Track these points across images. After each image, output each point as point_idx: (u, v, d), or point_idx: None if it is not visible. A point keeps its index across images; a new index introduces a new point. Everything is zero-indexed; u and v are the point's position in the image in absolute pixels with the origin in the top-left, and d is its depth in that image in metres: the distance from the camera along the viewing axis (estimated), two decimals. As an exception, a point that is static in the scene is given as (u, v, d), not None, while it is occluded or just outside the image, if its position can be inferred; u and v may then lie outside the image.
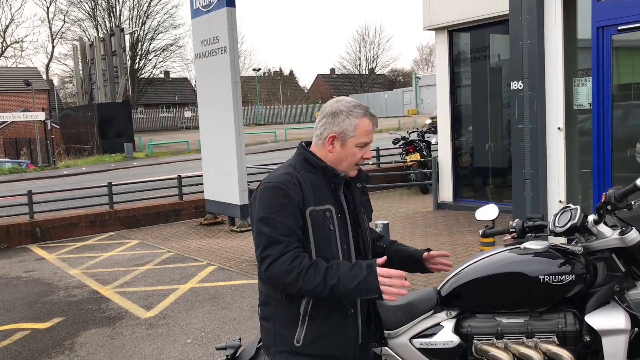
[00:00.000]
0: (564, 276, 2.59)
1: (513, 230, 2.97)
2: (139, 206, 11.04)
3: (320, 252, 2.26)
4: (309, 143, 2.46)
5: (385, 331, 2.68)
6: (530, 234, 2.94)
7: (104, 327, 5.54)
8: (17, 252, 9.32)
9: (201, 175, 10.81)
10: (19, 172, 25.40)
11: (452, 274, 2.86)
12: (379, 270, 2.18)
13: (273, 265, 2.16)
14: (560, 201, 6.89)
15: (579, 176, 7.12)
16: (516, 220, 2.99)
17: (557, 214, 2.84)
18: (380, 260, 2.25)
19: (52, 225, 10.10)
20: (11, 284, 7.37)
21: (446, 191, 10.53)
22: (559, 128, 6.85)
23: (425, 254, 2.67)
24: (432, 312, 2.77)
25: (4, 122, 37.64)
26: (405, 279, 2.20)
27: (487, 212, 3.25)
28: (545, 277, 2.59)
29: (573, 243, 2.81)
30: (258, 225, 2.23)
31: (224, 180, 9.71)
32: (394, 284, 2.16)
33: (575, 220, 2.69)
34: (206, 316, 5.62)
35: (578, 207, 2.77)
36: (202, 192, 10.85)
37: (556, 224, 2.79)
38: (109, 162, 28.60)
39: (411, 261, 2.70)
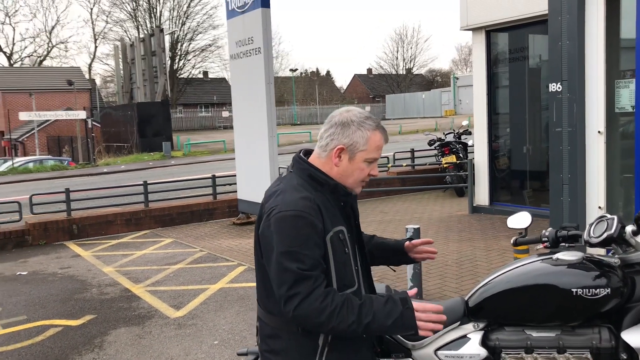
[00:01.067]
0: (598, 290, 2.46)
1: (546, 239, 2.85)
2: (173, 205, 11.15)
3: (339, 278, 2.11)
4: (306, 153, 2.26)
5: (409, 342, 2.60)
6: (564, 244, 2.82)
7: (133, 326, 5.58)
8: (55, 248, 9.51)
9: (235, 175, 10.85)
10: (61, 170, 26.02)
11: (481, 284, 2.75)
12: (415, 305, 2.06)
13: (303, 304, 1.96)
14: (599, 207, 6.65)
15: (620, 181, 6.87)
16: (549, 229, 2.86)
17: (593, 223, 2.71)
18: (412, 292, 2.15)
19: (88, 223, 10.28)
20: (47, 280, 7.51)
21: (482, 194, 10.33)
22: (599, 132, 6.61)
23: (407, 243, 2.53)
24: (458, 323, 2.67)
25: (47, 121, 38.65)
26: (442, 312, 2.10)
27: (520, 219, 3.14)
28: (579, 290, 2.46)
29: (609, 254, 2.68)
30: (281, 261, 1.99)
31: (256, 181, 9.72)
32: (430, 319, 2.06)
33: (612, 230, 2.56)
34: (234, 317, 5.62)
35: (615, 216, 2.63)
36: (236, 191, 10.89)
37: (591, 234, 2.67)
38: (148, 160, 29.09)
39: (393, 253, 2.56)
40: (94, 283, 7.24)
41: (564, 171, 6.70)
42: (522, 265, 2.72)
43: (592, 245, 2.64)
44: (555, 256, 2.64)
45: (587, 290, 2.46)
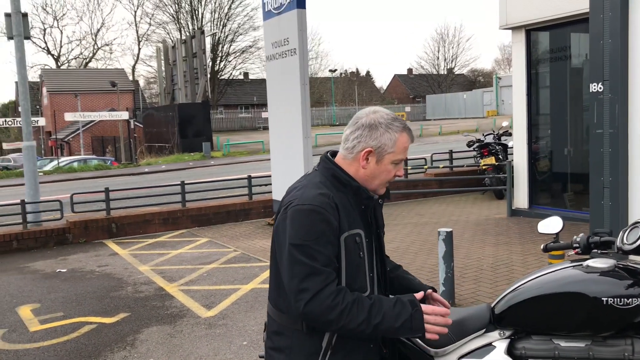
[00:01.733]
0: (630, 299, 2.34)
1: (577, 245, 2.74)
2: (210, 205, 11.26)
3: (349, 282, 2.07)
4: (334, 154, 2.24)
5: (432, 349, 2.54)
6: (595, 250, 2.71)
7: (165, 325, 5.65)
8: (94, 246, 9.72)
9: (270, 176, 10.89)
10: (104, 169, 26.65)
11: (509, 290, 2.67)
12: (424, 307, 2.05)
13: (314, 301, 1.94)
14: (642, 212, 6.41)
15: (664, 185, 6.60)
16: (581, 234, 2.76)
17: (626, 229, 2.60)
18: (419, 295, 2.13)
19: (127, 222, 10.47)
20: (85, 278, 7.68)
21: (521, 197, 10.10)
22: (642, 133, 6.38)
23: (429, 291, 2.34)
24: (484, 330, 2.59)
25: (91, 121, 39.65)
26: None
27: (551, 224, 3.05)
28: (609, 299, 2.36)
29: (644, 262, 2.56)
30: (293, 253, 1.98)
31: (291, 182, 9.67)
32: (438, 322, 2.04)
33: (647, 237, 2.45)
34: (264, 318, 5.59)
35: (650, 222, 2.52)
36: (271, 192, 10.93)
37: (624, 240, 2.56)
38: (188, 160, 29.53)
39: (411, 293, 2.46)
40: (130, 281, 7.36)
41: (605, 174, 6.48)
42: (552, 271, 2.62)
43: (626, 253, 2.53)
44: (586, 263, 2.54)
45: (618, 299, 2.35)
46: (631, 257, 2.96)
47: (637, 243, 2.46)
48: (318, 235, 1.98)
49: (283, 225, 2.05)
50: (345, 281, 2.06)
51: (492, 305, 2.67)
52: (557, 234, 2.98)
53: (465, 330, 2.59)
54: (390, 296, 2.19)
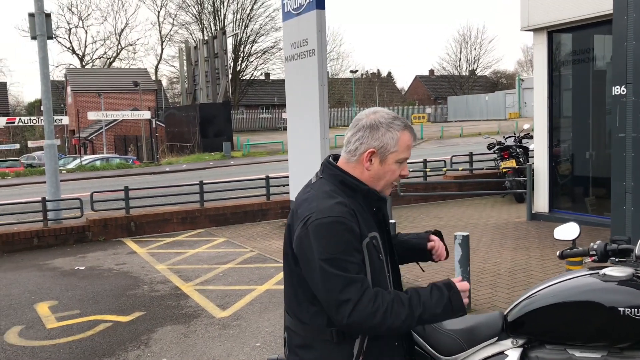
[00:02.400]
0: (648, 310, 2.27)
1: (594, 252, 2.67)
2: (228, 205, 11.29)
3: (375, 285, 2.05)
4: (335, 158, 2.21)
5: (443, 357, 2.49)
6: (613, 258, 2.64)
7: (179, 325, 5.66)
8: (113, 244, 9.80)
9: (288, 177, 10.88)
10: (125, 168, 26.90)
11: (522, 297, 2.61)
12: (459, 286, 2.09)
13: (356, 310, 1.93)
14: (666, 218, 6.27)
15: (689, 191, 6.44)
16: (598, 242, 2.69)
17: (645, 237, 2.52)
18: (458, 280, 2.18)
19: (145, 221, 10.54)
20: (103, 276, 7.74)
21: (541, 201, 9.94)
22: (666, 137, 6.23)
23: (430, 243, 2.44)
24: (496, 338, 2.54)
25: (114, 120, 40.08)
26: None
27: (568, 230, 2.98)
28: (627, 309, 2.29)
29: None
30: (325, 268, 1.95)
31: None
32: (466, 296, 2.13)
33: (666, 246, 2.38)
34: (278, 320, 5.60)
35: (670, 231, 2.44)
36: (289, 193, 10.93)
37: (643, 249, 2.48)
38: (208, 160, 29.67)
39: (416, 252, 2.49)
40: (146, 280, 7.40)
41: (627, 179, 6.35)
42: (568, 279, 2.56)
43: (644, 261, 2.46)
44: (602, 271, 2.48)
45: (636, 309, 2.28)
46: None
47: (656, 252, 2.39)
48: (345, 245, 1.97)
49: (307, 242, 2.00)
50: (372, 285, 2.05)
51: (505, 312, 2.62)
52: (574, 240, 2.91)
53: (477, 338, 2.54)
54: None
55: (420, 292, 2.04)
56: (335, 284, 1.94)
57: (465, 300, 2.10)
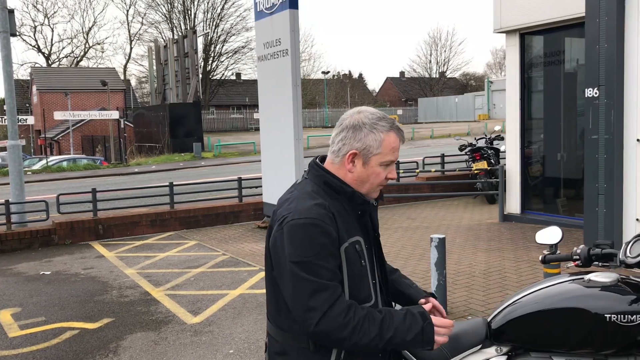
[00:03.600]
0: (635, 316, 2.23)
1: (577, 257, 2.62)
2: (199, 207, 11.10)
3: (353, 292, 1.97)
4: (323, 159, 2.13)
5: (426, 366, 2.41)
6: (597, 263, 2.60)
7: (149, 331, 5.49)
8: (80, 248, 9.53)
9: (261, 178, 10.74)
10: (93, 169, 26.39)
11: (506, 304, 2.55)
12: (434, 320, 1.97)
13: (324, 320, 1.84)
14: (637, 219, 6.33)
15: (660, 192, 6.52)
16: (581, 246, 2.64)
17: (630, 242, 2.49)
18: (428, 306, 2.07)
19: (114, 223, 10.29)
20: (69, 281, 7.50)
21: (513, 202, 10.00)
22: (638, 139, 6.30)
23: (422, 299, 2.23)
24: (480, 346, 2.47)
25: (82, 120, 39.32)
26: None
27: (550, 234, 2.91)
28: (612, 316, 2.24)
29: (647, 276, 2.44)
30: (295, 271, 1.87)
31: (281, 184, 9.58)
32: (445, 334, 1.99)
33: (651, 250, 2.34)
34: (252, 326, 5.47)
35: (655, 235, 2.40)
36: (262, 194, 10.79)
37: (628, 253, 2.44)
38: (178, 161, 29.32)
39: (406, 300, 2.32)
40: (115, 285, 7.19)
41: (600, 180, 6.41)
42: (551, 285, 2.51)
43: (629, 266, 2.42)
44: (587, 277, 2.43)
45: (622, 316, 2.24)
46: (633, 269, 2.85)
47: (642, 257, 2.35)
48: (319, 249, 1.88)
49: (280, 242, 1.93)
50: (349, 293, 1.96)
51: (489, 319, 2.56)
52: (556, 244, 2.86)
53: (461, 346, 2.47)
54: (397, 306, 2.10)
55: (395, 315, 1.94)
56: (305, 289, 1.85)
57: (442, 340, 1.99)
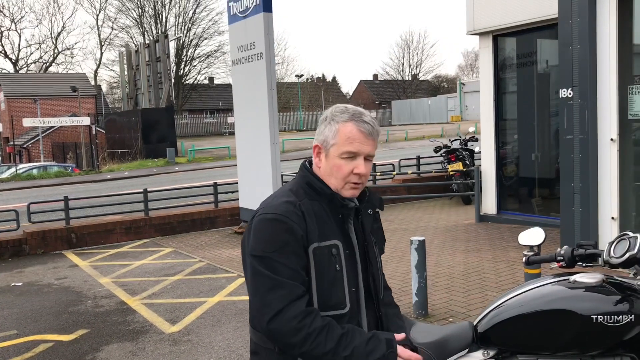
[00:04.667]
0: (620, 316, 2.23)
1: (561, 258, 2.61)
2: (174, 213, 10.94)
3: (323, 297, 1.91)
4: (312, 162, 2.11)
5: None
6: (580, 263, 2.59)
7: (127, 342, 5.36)
8: (52, 257, 9.32)
9: (237, 183, 10.64)
10: (64, 176, 25.91)
11: (491, 307, 2.53)
12: (400, 351, 1.90)
13: (278, 319, 1.81)
14: (612, 218, 6.41)
15: (634, 190, 6.62)
16: (565, 247, 2.63)
17: (613, 242, 2.48)
18: (399, 336, 1.97)
19: (87, 232, 10.08)
20: (42, 292, 7.31)
21: (489, 203, 10.07)
22: (611, 139, 6.38)
23: (399, 337, 2.01)
24: (466, 350, 2.44)
25: (52, 127, 38.63)
26: None
27: (532, 236, 2.90)
28: (599, 316, 2.23)
29: (631, 275, 2.45)
30: (255, 265, 1.86)
31: (258, 189, 9.50)
32: None
33: (635, 250, 2.33)
34: (231, 334, 5.39)
35: (638, 235, 2.40)
36: (238, 199, 10.68)
37: (611, 253, 2.44)
38: (152, 166, 28.97)
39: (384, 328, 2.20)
40: (90, 295, 7.03)
41: (575, 180, 6.47)
42: (536, 287, 2.49)
43: (613, 266, 2.42)
44: (572, 278, 2.42)
45: (608, 316, 2.23)
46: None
47: (626, 256, 2.34)
48: (281, 245, 1.85)
49: (247, 236, 1.94)
50: (317, 296, 1.91)
51: (475, 323, 2.53)
52: (538, 245, 2.86)
53: (447, 351, 2.44)
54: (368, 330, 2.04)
55: (357, 335, 1.88)
56: (261, 284, 1.84)
57: None
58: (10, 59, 56.41)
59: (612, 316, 2.23)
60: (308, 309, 1.84)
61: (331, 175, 1.98)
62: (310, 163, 2.09)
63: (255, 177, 9.67)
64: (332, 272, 1.92)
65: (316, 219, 1.92)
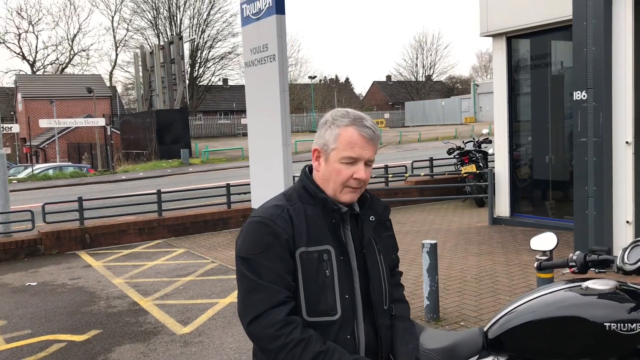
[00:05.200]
0: (635, 324, 2.19)
1: (573, 264, 2.58)
2: (187, 214, 10.99)
3: (311, 302, 1.89)
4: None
5: (422, 377, 2.35)
6: (593, 269, 2.56)
7: (138, 343, 5.39)
8: (67, 258, 9.39)
9: (250, 184, 10.65)
10: (80, 177, 26.13)
11: (502, 313, 2.51)
12: None
13: (257, 322, 1.83)
14: (627, 222, 6.34)
15: (649, 194, 6.53)
16: (577, 252, 2.60)
17: (627, 248, 2.45)
18: None
19: (101, 232, 10.15)
20: (56, 292, 7.37)
21: (503, 205, 10.00)
22: (627, 142, 6.31)
23: None
24: (476, 357, 2.43)
25: (67, 128, 38.99)
26: None
27: (544, 241, 2.87)
28: (612, 324, 2.20)
29: (645, 282, 2.41)
30: (239, 267, 1.90)
31: (270, 190, 9.49)
32: None
33: (650, 257, 2.30)
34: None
35: (653, 241, 2.37)
36: (250, 200, 10.69)
37: (625, 260, 2.40)
38: (166, 167, 29.12)
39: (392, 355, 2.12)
40: (102, 295, 7.07)
41: (589, 183, 6.40)
42: (548, 293, 2.47)
43: (627, 273, 2.38)
44: (585, 284, 2.39)
45: (621, 324, 2.20)
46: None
47: None
48: (264, 248, 1.86)
49: (238, 238, 1.98)
50: (305, 301, 1.89)
51: (485, 329, 2.51)
52: (551, 251, 2.83)
53: (457, 357, 2.43)
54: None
55: (336, 357, 1.82)
56: (245, 285, 1.87)
57: None
58: (28, 61, 57.08)
59: (626, 324, 2.20)
60: (289, 318, 1.82)
61: (330, 180, 1.96)
62: (311, 168, 2.07)
63: (267, 179, 9.66)
64: (321, 277, 1.89)
65: (307, 223, 1.91)
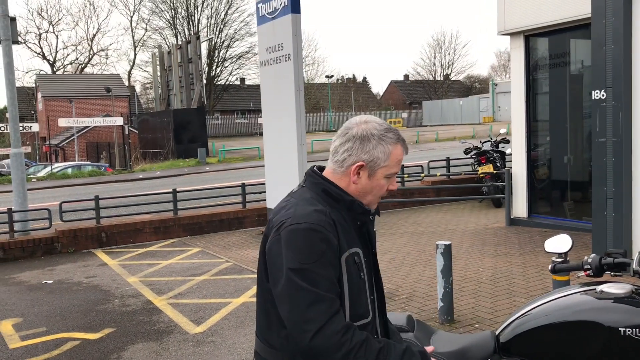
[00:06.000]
0: (651, 330, 2.13)
1: (588, 267, 2.52)
2: (202, 213, 11.02)
3: (354, 307, 1.88)
4: (321, 168, 2.05)
5: (432, 381, 2.32)
6: (609, 273, 2.49)
7: (151, 342, 5.40)
8: (83, 256, 9.46)
9: (265, 183, 10.66)
10: (98, 175, 26.37)
11: (515, 316, 2.46)
12: None
13: (321, 335, 1.73)
14: (647, 223, 6.21)
15: (669, 195, 6.40)
16: (592, 255, 2.54)
17: (644, 251, 2.38)
18: (430, 348, 2.01)
19: (117, 231, 10.22)
20: (71, 290, 7.43)
21: (520, 206, 9.88)
22: (647, 142, 6.18)
23: (429, 349, 2.18)
24: (488, 361, 2.38)
25: (86, 127, 39.38)
26: None
27: (559, 243, 2.81)
28: (627, 329, 2.15)
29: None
30: (293, 279, 1.76)
31: (285, 190, 9.44)
32: None
33: (667, 260, 2.24)
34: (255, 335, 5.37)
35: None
36: (265, 200, 10.70)
37: (642, 263, 2.34)
38: (183, 166, 29.29)
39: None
40: (117, 294, 7.11)
41: (608, 184, 6.29)
42: (562, 296, 2.41)
43: (643, 277, 2.32)
44: (600, 288, 2.33)
45: (637, 330, 2.14)
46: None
47: (656, 267, 2.25)
48: (319, 256, 1.78)
49: (277, 249, 1.83)
50: (349, 306, 1.87)
51: (497, 332, 2.46)
52: (565, 253, 2.77)
53: (468, 361, 2.38)
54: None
55: (393, 349, 1.84)
56: (302, 299, 1.75)
57: None
58: (48, 61, 57.77)
59: (642, 329, 2.14)
60: (348, 323, 1.80)
61: (369, 193, 1.97)
62: (320, 169, 2.03)
63: (282, 178, 9.65)
64: (357, 280, 1.90)
65: (341, 226, 1.89)
